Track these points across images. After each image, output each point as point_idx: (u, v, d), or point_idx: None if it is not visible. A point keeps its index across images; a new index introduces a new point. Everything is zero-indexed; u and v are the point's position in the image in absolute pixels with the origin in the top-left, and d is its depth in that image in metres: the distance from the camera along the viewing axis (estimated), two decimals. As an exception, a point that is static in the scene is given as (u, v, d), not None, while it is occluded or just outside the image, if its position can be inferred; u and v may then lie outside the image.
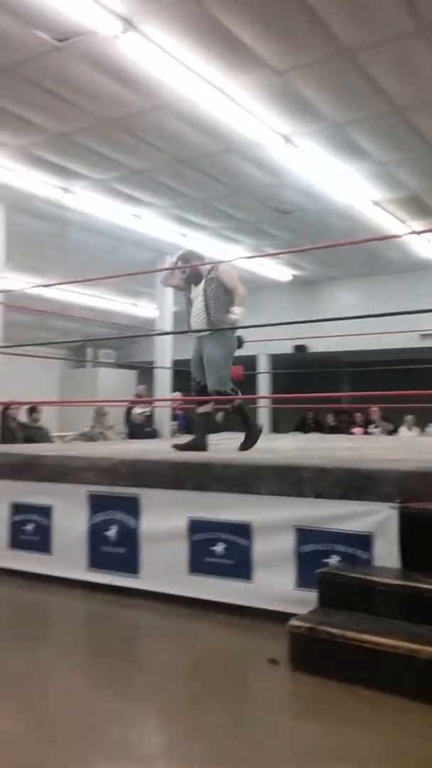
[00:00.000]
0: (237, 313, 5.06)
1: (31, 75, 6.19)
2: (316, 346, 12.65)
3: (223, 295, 5.13)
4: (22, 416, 9.59)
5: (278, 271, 13.73)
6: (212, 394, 5.09)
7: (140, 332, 13.24)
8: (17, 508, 4.64)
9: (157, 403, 11.58)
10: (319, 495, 3.53)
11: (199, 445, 5.15)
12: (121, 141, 7.59)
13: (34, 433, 9.17)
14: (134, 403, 10.92)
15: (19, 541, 4.60)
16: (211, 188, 9.10)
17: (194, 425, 6.00)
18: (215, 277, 5.17)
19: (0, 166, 8.09)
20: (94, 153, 7.90)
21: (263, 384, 14.49)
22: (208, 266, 5.33)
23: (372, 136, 7.49)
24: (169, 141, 7.61)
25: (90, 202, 9.34)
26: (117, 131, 7.36)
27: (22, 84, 6.32)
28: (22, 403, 9.02)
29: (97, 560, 4.24)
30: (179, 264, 5.44)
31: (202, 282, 5.20)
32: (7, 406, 8.76)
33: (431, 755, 2.25)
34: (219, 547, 3.76)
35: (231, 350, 5.20)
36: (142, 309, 14.90)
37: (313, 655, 2.86)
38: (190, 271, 5.32)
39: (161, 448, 5.58)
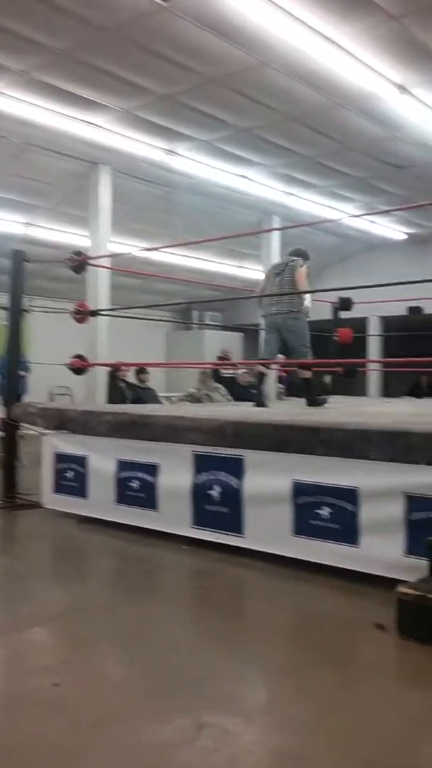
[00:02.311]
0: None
1: (137, 36, 6.18)
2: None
3: None
4: (131, 377, 9.84)
5: (391, 229, 13.23)
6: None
7: (245, 294, 13.19)
8: (124, 465, 4.78)
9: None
10: (431, 462, 3.40)
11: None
12: (228, 100, 7.48)
13: (142, 394, 9.40)
14: (221, 365, 10.92)
15: (125, 496, 4.75)
16: (320, 144, 8.84)
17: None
18: None
19: (105, 129, 8.18)
20: (199, 113, 7.84)
21: (374, 347, 14.12)
22: None
23: None
24: (277, 97, 7.42)
25: (195, 163, 9.31)
26: (223, 90, 7.25)
27: (127, 46, 6.32)
28: (130, 364, 9.25)
29: (201, 518, 4.31)
30: None
31: None
32: (116, 367, 9.01)
33: None
34: (324, 511, 3.72)
35: None
36: (248, 271, 14.83)
37: (422, 622, 2.79)
38: None
39: (266, 411, 5.56)
